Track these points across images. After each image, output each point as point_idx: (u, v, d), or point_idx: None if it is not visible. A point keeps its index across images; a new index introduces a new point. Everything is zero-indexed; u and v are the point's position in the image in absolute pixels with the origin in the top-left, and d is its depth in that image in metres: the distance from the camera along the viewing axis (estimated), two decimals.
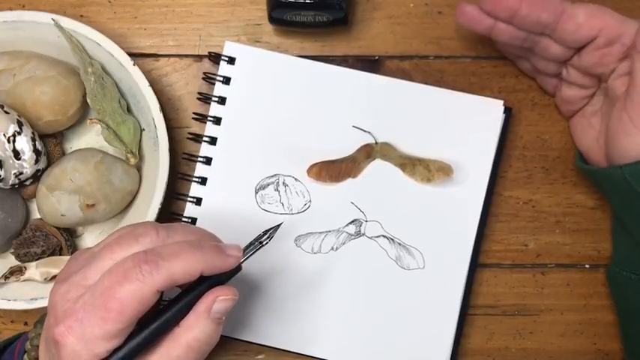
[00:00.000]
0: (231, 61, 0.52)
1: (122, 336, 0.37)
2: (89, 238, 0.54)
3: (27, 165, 0.49)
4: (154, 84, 0.50)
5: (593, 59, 0.46)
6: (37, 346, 0.41)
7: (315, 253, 0.52)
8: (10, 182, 0.49)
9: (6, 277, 0.50)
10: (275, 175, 0.52)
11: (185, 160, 0.53)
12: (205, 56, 0.54)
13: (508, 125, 0.52)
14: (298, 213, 0.52)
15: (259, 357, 0.54)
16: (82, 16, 0.54)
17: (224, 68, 0.52)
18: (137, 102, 0.50)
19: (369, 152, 0.52)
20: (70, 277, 0.38)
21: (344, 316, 0.52)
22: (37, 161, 0.49)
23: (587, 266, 0.53)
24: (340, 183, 0.52)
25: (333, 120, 0.52)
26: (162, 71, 0.54)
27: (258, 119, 0.52)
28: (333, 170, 0.51)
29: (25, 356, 0.42)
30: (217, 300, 0.39)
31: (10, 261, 0.52)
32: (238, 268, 0.41)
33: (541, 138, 0.53)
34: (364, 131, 0.52)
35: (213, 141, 0.52)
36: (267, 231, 0.43)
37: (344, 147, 0.52)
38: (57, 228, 0.52)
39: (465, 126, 0.51)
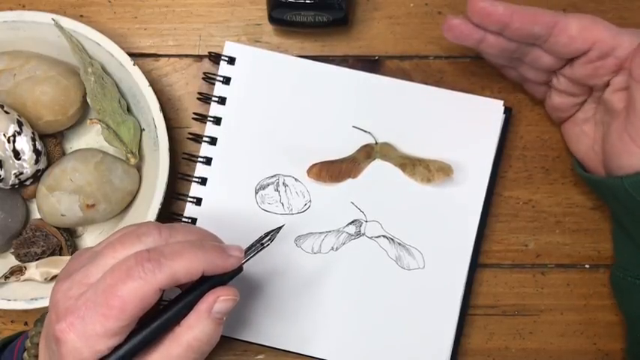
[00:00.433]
0: (231, 61, 0.52)
1: (123, 334, 0.37)
2: (89, 238, 0.54)
3: (27, 165, 0.49)
4: (154, 84, 0.50)
5: (586, 71, 0.45)
6: (37, 344, 0.41)
7: (315, 253, 0.52)
8: (10, 182, 0.49)
9: (6, 277, 0.51)
10: (275, 175, 0.52)
11: (185, 160, 0.53)
12: (205, 56, 0.54)
13: (508, 125, 0.52)
14: (298, 213, 0.52)
15: (259, 357, 0.54)
16: (82, 16, 0.54)
17: (224, 68, 0.52)
18: (137, 102, 0.50)
19: (369, 152, 0.52)
20: (71, 274, 0.38)
21: (344, 316, 0.52)
22: (37, 161, 0.49)
23: (587, 266, 0.53)
24: (340, 183, 0.52)
25: (333, 120, 0.52)
26: (163, 71, 0.54)
27: (258, 119, 0.52)
28: (333, 170, 0.51)
29: (25, 354, 0.42)
30: (218, 300, 0.39)
31: (10, 261, 0.52)
32: (239, 269, 0.41)
33: (541, 138, 0.53)
34: (364, 131, 0.52)
35: (213, 141, 0.52)
36: (268, 232, 0.43)
37: (344, 147, 0.52)
38: (57, 228, 0.52)
39: (465, 126, 0.51)
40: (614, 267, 0.51)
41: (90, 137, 0.54)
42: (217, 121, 0.52)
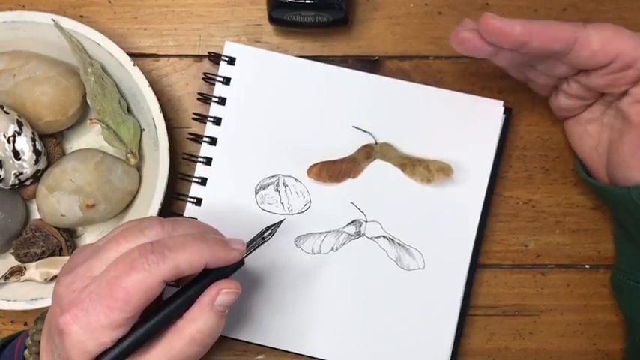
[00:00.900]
0: (231, 61, 0.52)
1: (127, 325, 0.37)
2: (89, 239, 0.54)
3: (27, 165, 0.49)
4: (153, 84, 0.50)
5: (604, 81, 0.43)
6: (38, 342, 0.42)
7: (315, 253, 0.52)
8: (10, 182, 0.49)
9: (6, 277, 0.51)
10: (275, 175, 0.52)
11: (185, 160, 0.53)
12: (205, 56, 0.54)
13: (508, 125, 0.52)
14: (298, 213, 0.52)
15: (259, 357, 0.54)
16: (82, 16, 0.54)
17: (224, 68, 0.52)
18: (137, 102, 0.50)
19: (369, 152, 0.52)
20: (74, 268, 0.39)
21: (344, 316, 0.52)
22: (37, 161, 0.49)
23: (587, 266, 0.53)
24: (340, 183, 0.52)
25: (333, 120, 0.52)
26: (162, 71, 0.54)
27: (258, 119, 0.52)
28: (333, 170, 0.51)
29: (26, 351, 0.42)
30: (221, 292, 0.39)
31: (10, 261, 0.52)
32: (241, 263, 0.41)
33: (541, 138, 0.53)
34: (364, 131, 0.52)
35: (213, 141, 0.52)
36: (269, 227, 0.43)
37: (344, 147, 0.52)
38: (57, 228, 0.52)
39: (465, 126, 0.51)
40: (615, 269, 0.51)
41: (90, 137, 0.54)
42: (217, 121, 0.52)
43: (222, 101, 0.52)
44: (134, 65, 0.49)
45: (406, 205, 0.51)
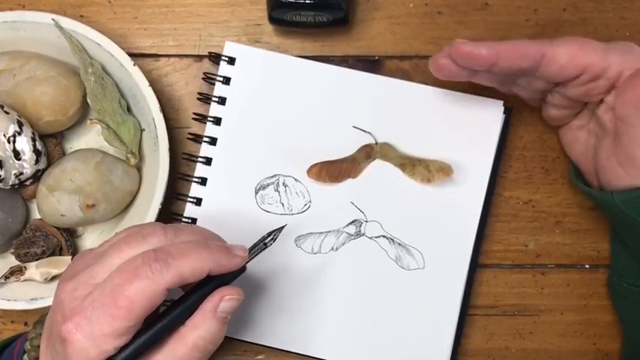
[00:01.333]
0: (232, 61, 0.52)
1: (130, 334, 0.37)
2: (89, 239, 0.54)
3: (27, 165, 0.49)
4: (154, 84, 0.50)
5: (579, 92, 0.45)
6: (38, 347, 0.41)
7: (315, 253, 0.52)
8: (10, 182, 0.49)
9: (6, 277, 0.51)
10: (275, 175, 0.52)
11: (185, 160, 0.53)
12: (205, 56, 0.54)
13: (508, 125, 0.52)
14: (298, 213, 0.52)
15: (259, 357, 0.54)
16: (82, 16, 0.54)
17: (224, 68, 0.52)
18: (137, 102, 0.50)
19: (369, 152, 0.52)
20: (76, 275, 0.38)
21: (344, 316, 0.52)
22: (37, 161, 0.49)
23: (587, 266, 0.53)
24: (340, 183, 0.52)
25: (333, 120, 0.52)
26: (163, 71, 0.54)
27: (258, 119, 0.52)
28: (333, 170, 0.51)
29: (25, 356, 0.42)
30: (224, 299, 0.39)
31: (10, 261, 0.52)
32: (243, 269, 0.41)
33: (541, 138, 0.53)
34: (364, 131, 0.52)
35: (213, 141, 0.52)
36: (271, 232, 0.44)
37: (344, 147, 0.52)
38: (57, 228, 0.52)
39: (465, 126, 0.51)
40: (611, 272, 0.51)
41: (90, 137, 0.54)
42: (217, 121, 0.52)
43: (222, 101, 0.52)
44: (134, 65, 0.49)
45: (406, 204, 0.52)
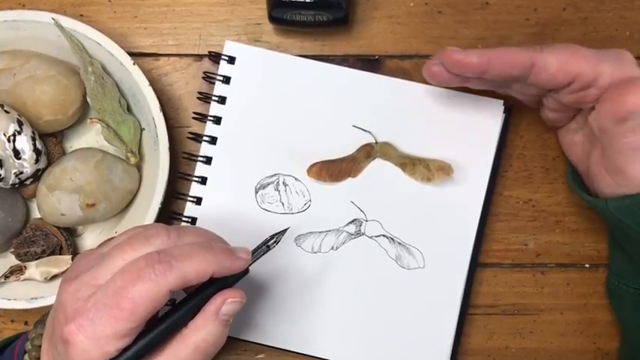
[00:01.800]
0: (232, 60, 0.52)
1: (132, 335, 0.37)
2: (89, 238, 0.54)
3: (27, 164, 0.49)
4: (154, 83, 0.50)
5: (571, 99, 0.45)
6: (39, 347, 0.41)
7: (315, 252, 0.52)
8: (11, 182, 0.49)
9: (6, 276, 0.51)
10: (275, 174, 0.52)
11: (185, 159, 0.53)
12: (205, 55, 0.54)
13: (508, 125, 0.52)
14: (298, 212, 0.52)
15: (259, 356, 0.54)
16: (82, 15, 0.54)
17: (224, 68, 0.52)
18: (137, 101, 0.50)
19: (369, 152, 0.52)
20: (79, 275, 0.38)
21: (344, 315, 0.52)
22: (37, 161, 0.49)
23: (587, 266, 0.53)
24: (340, 182, 0.52)
25: (333, 119, 0.52)
26: (163, 70, 0.54)
27: (258, 119, 0.52)
28: (333, 170, 0.51)
29: (26, 356, 0.42)
30: (226, 302, 0.39)
31: (10, 260, 0.52)
32: (245, 272, 0.41)
33: (541, 137, 0.53)
34: (364, 131, 0.52)
35: (213, 140, 0.52)
36: (274, 235, 0.44)
37: (344, 146, 0.52)
38: (57, 227, 0.52)
39: (465, 126, 0.51)
40: (610, 273, 0.51)
41: (90, 136, 0.54)
42: (217, 120, 0.52)
43: (222, 100, 0.52)
44: (134, 64, 0.49)
45: (406, 204, 0.52)
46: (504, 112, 0.52)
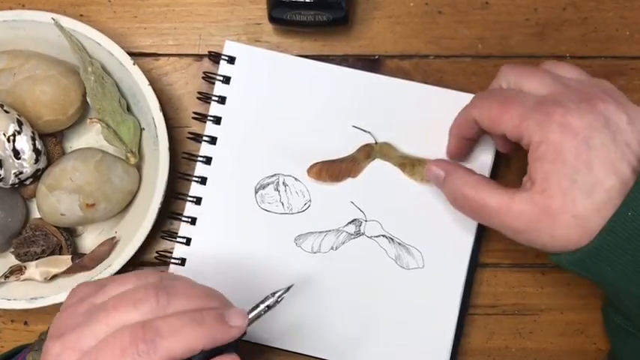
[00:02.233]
0: (231, 60, 0.52)
1: None
2: (89, 238, 0.54)
3: (27, 164, 0.49)
4: (153, 83, 0.50)
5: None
6: None
7: (314, 252, 0.52)
8: (10, 182, 0.49)
9: (6, 276, 0.51)
10: (275, 174, 0.52)
11: (185, 159, 0.53)
12: (205, 55, 0.54)
13: None
14: (298, 212, 0.52)
15: (259, 357, 0.54)
16: (81, 15, 0.54)
17: (224, 68, 0.52)
18: (137, 101, 0.50)
19: (368, 152, 0.52)
20: (63, 334, 0.37)
21: (343, 315, 0.52)
22: (36, 161, 0.49)
23: None
24: (340, 183, 0.52)
25: (333, 120, 0.52)
26: (162, 70, 0.54)
27: (258, 119, 0.52)
28: (333, 170, 0.51)
29: None
30: None
31: (10, 260, 0.52)
32: (242, 334, 0.39)
33: None
34: (364, 131, 0.52)
35: (213, 140, 0.52)
36: (275, 292, 0.41)
37: (344, 147, 0.52)
38: (57, 227, 0.52)
39: None
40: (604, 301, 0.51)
41: (90, 136, 0.54)
42: (217, 120, 0.52)
43: (222, 100, 0.52)
44: (134, 64, 0.49)
45: (406, 204, 0.51)
46: None
